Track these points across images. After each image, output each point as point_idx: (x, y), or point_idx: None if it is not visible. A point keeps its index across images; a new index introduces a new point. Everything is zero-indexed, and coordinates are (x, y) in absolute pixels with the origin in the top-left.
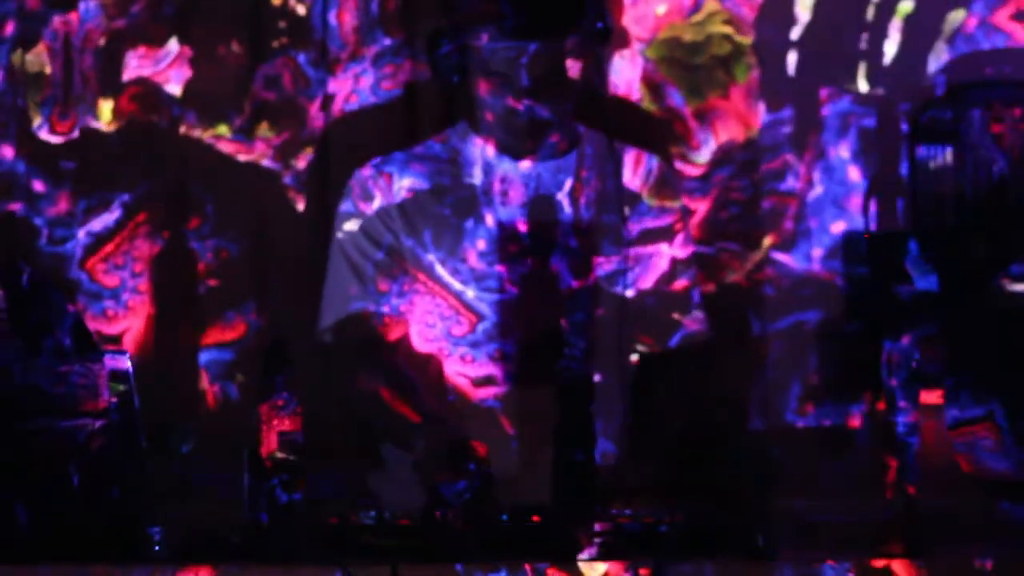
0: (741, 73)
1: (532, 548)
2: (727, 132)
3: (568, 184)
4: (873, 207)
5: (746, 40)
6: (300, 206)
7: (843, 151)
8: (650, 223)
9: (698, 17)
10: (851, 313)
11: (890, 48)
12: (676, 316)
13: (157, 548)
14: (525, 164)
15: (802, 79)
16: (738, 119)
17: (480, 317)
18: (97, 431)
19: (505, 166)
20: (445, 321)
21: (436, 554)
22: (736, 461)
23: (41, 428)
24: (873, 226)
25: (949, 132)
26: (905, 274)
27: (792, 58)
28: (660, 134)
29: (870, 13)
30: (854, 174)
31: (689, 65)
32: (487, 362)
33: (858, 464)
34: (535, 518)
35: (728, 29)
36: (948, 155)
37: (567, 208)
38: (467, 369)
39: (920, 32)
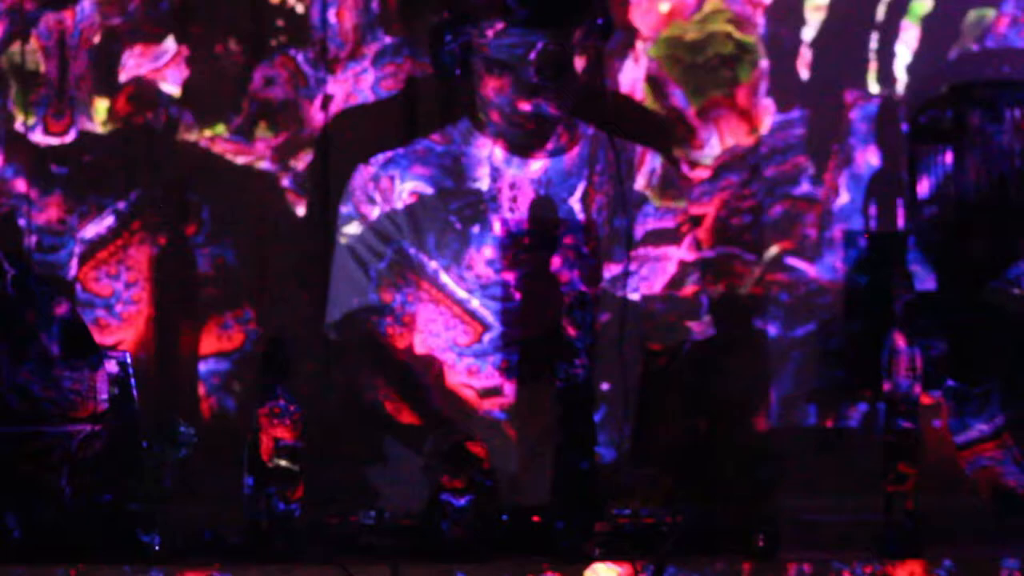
0: (744, 72)
1: (532, 548)
2: (731, 132)
3: (580, 189)
4: (873, 207)
5: (749, 39)
6: (299, 210)
7: (871, 157)
8: (655, 224)
9: (700, 15)
10: (851, 313)
11: (907, 49)
12: (686, 322)
13: (157, 549)
14: (535, 169)
15: (813, 80)
16: (743, 119)
17: (485, 327)
18: (91, 436)
19: (514, 171)
20: (450, 331)
21: (436, 554)
22: (737, 462)
23: (31, 433)
24: (873, 226)
25: (949, 132)
26: (905, 274)
27: (802, 59)
28: (663, 133)
29: (880, 12)
30: None
31: (692, 64)
32: (493, 373)
33: (858, 464)
34: (535, 518)
35: (730, 27)
36: (948, 155)
37: (579, 214)
38: (473, 380)
39: (939, 32)
